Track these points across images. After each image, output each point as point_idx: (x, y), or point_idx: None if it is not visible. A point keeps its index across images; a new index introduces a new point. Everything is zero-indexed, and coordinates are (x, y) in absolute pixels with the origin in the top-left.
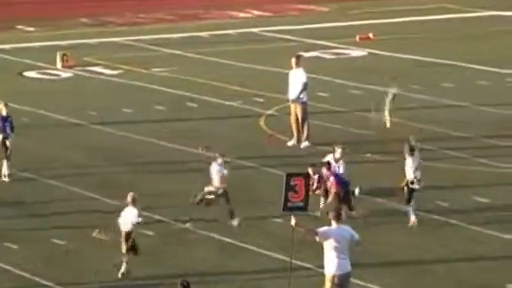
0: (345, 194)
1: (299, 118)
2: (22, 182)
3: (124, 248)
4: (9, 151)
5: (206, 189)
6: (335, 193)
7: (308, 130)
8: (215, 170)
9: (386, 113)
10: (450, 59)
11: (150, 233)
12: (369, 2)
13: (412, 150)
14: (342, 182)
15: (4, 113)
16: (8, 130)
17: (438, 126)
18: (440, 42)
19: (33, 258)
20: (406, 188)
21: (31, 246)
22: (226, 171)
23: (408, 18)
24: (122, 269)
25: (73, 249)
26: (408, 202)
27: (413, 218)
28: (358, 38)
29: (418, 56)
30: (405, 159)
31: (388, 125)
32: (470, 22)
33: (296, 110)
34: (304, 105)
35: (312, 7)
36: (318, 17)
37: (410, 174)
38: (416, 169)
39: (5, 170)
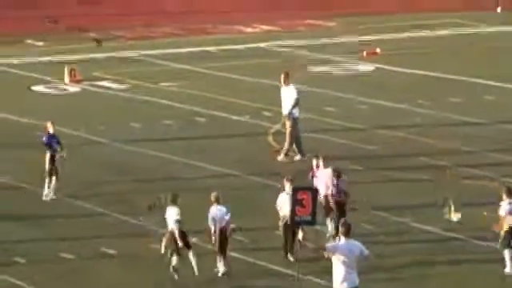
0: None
1: (286, 131)
2: (32, 198)
3: (217, 247)
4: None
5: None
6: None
7: (290, 145)
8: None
9: None
10: (457, 74)
11: (158, 247)
12: (376, 17)
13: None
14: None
15: (51, 130)
16: (55, 146)
17: (446, 141)
18: (447, 56)
19: (42, 273)
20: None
21: (41, 261)
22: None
23: (415, 33)
24: (221, 270)
25: (83, 264)
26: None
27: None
28: (365, 53)
29: (425, 71)
30: (501, 201)
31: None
32: (477, 37)
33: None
34: (293, 120)
35: (320, 22)
36: (326, 32)
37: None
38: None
39: (52, 189)
